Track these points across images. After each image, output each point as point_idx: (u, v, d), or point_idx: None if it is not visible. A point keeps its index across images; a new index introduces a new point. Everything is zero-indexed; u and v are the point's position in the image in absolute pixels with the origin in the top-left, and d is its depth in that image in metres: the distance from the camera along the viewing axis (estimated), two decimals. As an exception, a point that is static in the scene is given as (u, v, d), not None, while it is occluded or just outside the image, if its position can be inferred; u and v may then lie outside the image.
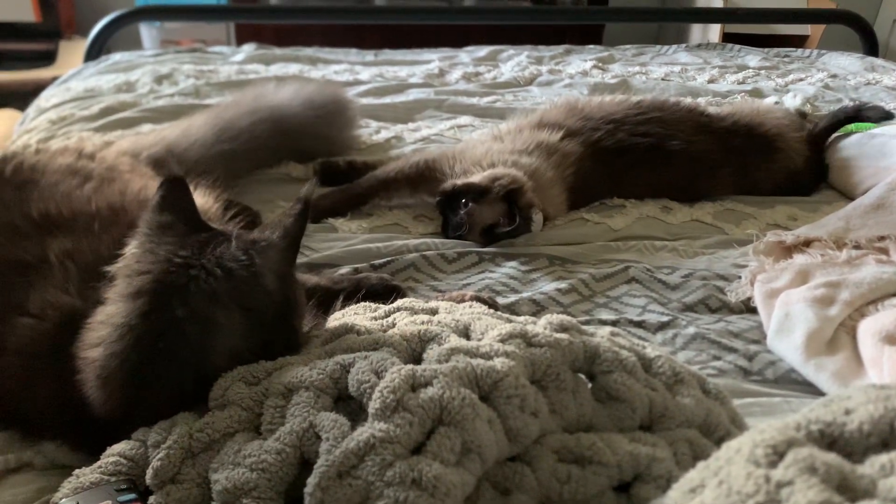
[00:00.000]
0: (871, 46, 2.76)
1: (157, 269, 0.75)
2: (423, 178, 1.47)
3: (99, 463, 0.72)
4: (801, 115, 1.85)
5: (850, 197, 1.56)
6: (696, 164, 1.54)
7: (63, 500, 0.69)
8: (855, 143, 1.65)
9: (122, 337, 0.73)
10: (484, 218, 1.35)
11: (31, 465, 0.84)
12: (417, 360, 0.74)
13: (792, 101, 2.04)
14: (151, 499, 0.68)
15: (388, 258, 1.28)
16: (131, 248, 0.79)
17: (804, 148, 1.64)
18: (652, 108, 1.59)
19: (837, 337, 1.10)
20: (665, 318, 1.17)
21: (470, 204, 1.34)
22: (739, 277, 1.26)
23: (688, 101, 1.81)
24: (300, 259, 1.27)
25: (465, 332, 0.78)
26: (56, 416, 0.80)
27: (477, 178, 1.37)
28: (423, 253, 1.30)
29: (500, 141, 1.52)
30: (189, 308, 0.73)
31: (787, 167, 1.60)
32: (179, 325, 0.73)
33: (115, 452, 0.73)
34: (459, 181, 1.38)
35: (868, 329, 1.06)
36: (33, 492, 0.80)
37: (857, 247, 1.28)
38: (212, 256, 0.76)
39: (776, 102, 2.05)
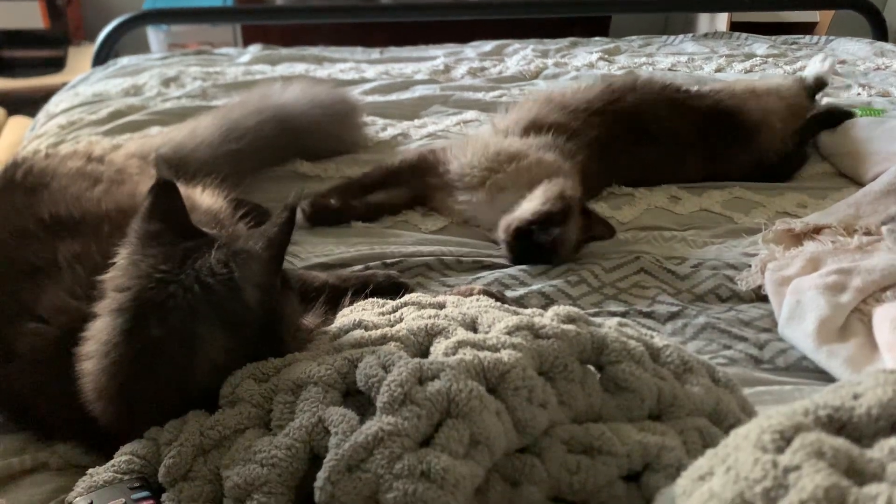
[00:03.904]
0: (880, 32, 2.74)
1: (137, 286, 0.75)
2: (426, 162, 1.46)
3: (112, 462, 0.73)
4: (820, 84, 1.80)
5: (859, 183, 1.55)
6: (667, 145, 1.54)
7: (77, 498, 0.69)
8: (864, 129, 1.64)
9: (107, 354, 0.73)
10: (572, 236, 1.28)
11: (46, 466, 0.86)
12: (425, 353, 0.74)
13: (819, 66, 1.92)
14: (164, 496, 0.69)
15: (400, 258, 1.29)
16: (119, 259, 0.79)
17: (782, 139, 1.62)
18: (624, 89, 1.58)
19: (850, 324, 1.09)
20: (675, 309, 1.17)
21: (555, 231, 1.26)
22: (749, 266, 1.25)
23: (660, 77, 1.78)
24: (315, 260, 1.28)
25: (473, 325, 0.78)
26: (68, 418, 0.81)
27: (541, 205, 1.29)
28: (439, 258, 1.29)
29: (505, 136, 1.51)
30: (166, 327, 0.72)
31: (759, 158, 1.59)
32: (158, 344, 0.72)
33: (128, 451, 0.74)
34: (527, 215, 1.28)
35: (886, 315, 1.06)
36: (49, 491, 0.82)
37: (867, 233, 1.28)
38: (191, 270, 0.75)
39: (799, 70, 1.98)
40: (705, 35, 2.81)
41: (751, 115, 1.60)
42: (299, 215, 1.39)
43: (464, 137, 1.62)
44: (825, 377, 1.02)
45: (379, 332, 0.78)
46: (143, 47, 3.32)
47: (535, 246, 1.26)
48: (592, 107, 1.53)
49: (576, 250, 1.31)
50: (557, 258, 1.28)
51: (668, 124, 1.54)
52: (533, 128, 1.50)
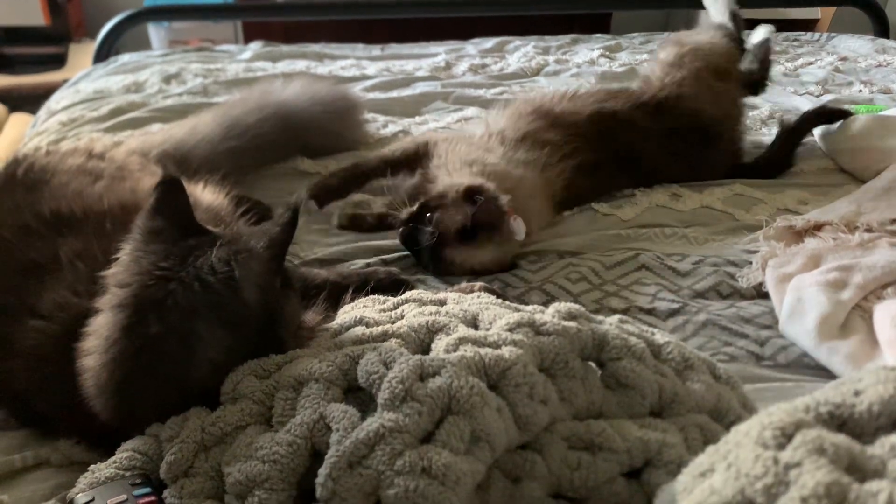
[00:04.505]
0: (882, 28, 2.73)
1: (137, 283, 0.74)
2: (417, 155, 1.45)
3: (114, 458, 0.73)
4: (736, 18, 1.78)
5: (860, 180, 1.55)
6: (649, 166, 1.54)
7: (79, 494, 0.70)
8: (865, 126, 1.64)
9: (107, 350, 0.73)
10: (452, 220, 1.22)
11: (48, 462, 0.86)
12: (426, 350, 0.75)
13: (714, 11, 1.88)
14: (166, 492, 0.69)
15: (400, 253, 1.29)
16: (122, 255, 0.78)
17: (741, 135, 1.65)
18: (613, 120, 1.52)
19: (851, 320, 1.09)
20: (676, 306, 1.16)
21: (435, 215, 1.23)
22: (750, 263, 1.25)
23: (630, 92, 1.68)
24: (314, 255, 1.28)
25: (474, 322, 0.79)
26: (69, 415, 0.81)
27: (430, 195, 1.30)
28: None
29: (488, 151, 1.45)
30: (166, 324, 0.72)
31: (730, 159, 1.60)
32: (156, 341, 0.72)
33: (130, 447, 0.74)
34: (413, 207, 1.27)
35: (886, 312, 1.06)
36: (51, 488, 0.82)
37: (868, 230, 1.27)
38: (192, 268, 0.75)
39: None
40: (706, 32, 2.80)
41: (711, 120, 1.57)
42: (302, 194, 1.42)
43: (459, 133, 1.60)
44: (826, 374, 1.02)
45: (380, 328, 0.78)
46: (144, 44, 3.32)
47: (419, 244, 1.22)
48: (584, 130, 1.49)
49: (466, 237, 1.22)
50: (434, 239, 1.21)
51: (650, 150, 1.54)
52: (524, 141, 1.46)
